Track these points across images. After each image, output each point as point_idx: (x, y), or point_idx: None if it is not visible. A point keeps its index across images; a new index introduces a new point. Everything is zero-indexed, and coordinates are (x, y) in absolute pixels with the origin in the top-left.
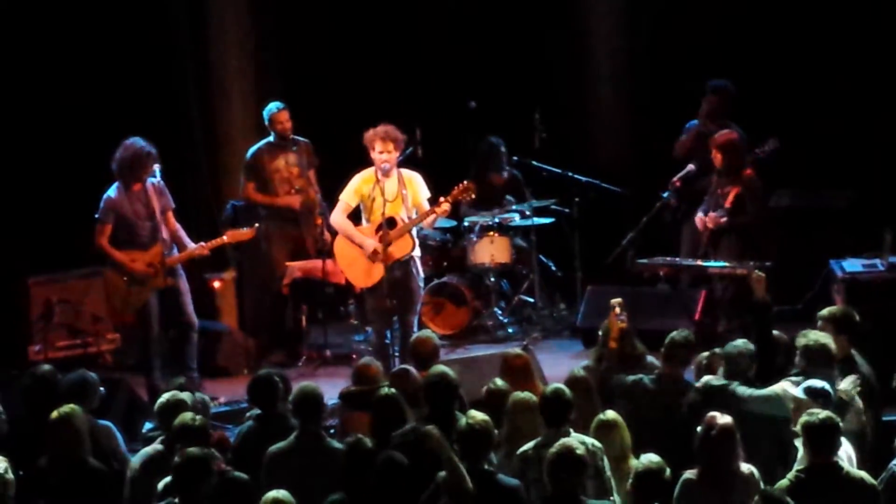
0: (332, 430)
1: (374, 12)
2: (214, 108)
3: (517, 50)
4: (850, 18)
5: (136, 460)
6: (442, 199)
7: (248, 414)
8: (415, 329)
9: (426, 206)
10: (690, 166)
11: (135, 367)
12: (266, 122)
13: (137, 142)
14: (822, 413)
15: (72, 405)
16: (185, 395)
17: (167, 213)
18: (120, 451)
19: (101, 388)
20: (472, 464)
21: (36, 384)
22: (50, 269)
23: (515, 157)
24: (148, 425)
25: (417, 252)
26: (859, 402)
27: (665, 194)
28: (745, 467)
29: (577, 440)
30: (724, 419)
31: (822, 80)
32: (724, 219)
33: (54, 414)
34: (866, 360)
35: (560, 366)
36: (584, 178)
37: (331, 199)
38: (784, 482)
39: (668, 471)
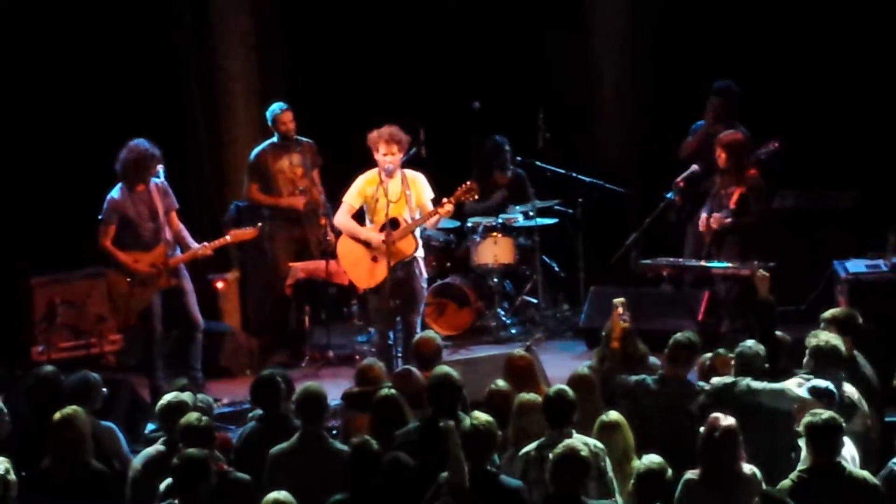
0: (334, 431)
1: (377, 12)
2: (218, 108)
3: (521, 50)
4: (855, 19)
5: (137, 461)
6: (445, 199)
7: (250, 415)
8: (418, 330)
9: (430, 207)
10: (694, 167)
11: (137, 368)
12: (269, 123)
13: (141, 143)
14: (826, 413)
15: (74, 406)
16: (187, 396)
17: (170, 213)
18: (122, 453)
19: (104, 389)
20: (475, 464)
21: (39, 385)
22: (53, 270)
23: (519, 158)
24: (150, 426)
25: (421, 253)
26: (864, 405)
27: (669, 195)
28: (747, 468)
29: (579, 441)
30: (727, 420)
31: (827, 81)
32: (728, 219)
33: (57, 415)
34: (869, 360)
35: (563, 366)
36: (587, 179)
37: (334, 200)
38: (786, 482)
39: (669, 471)
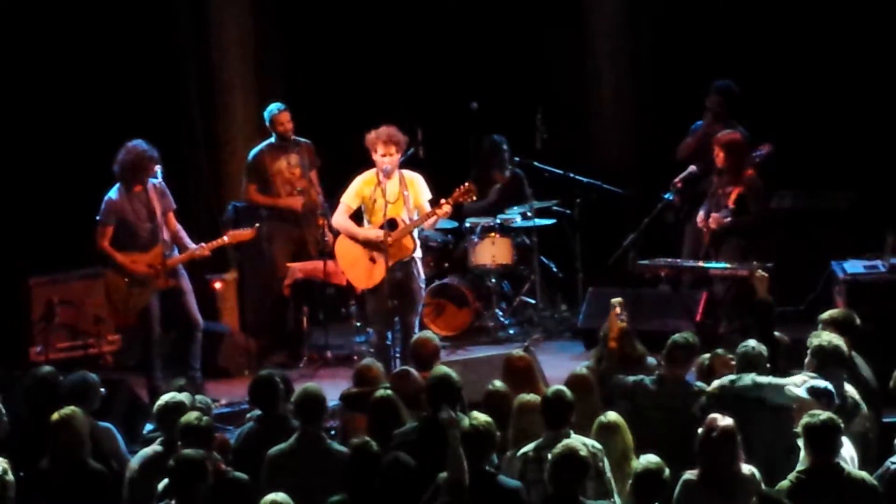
0: (332, 432)
1: (375, 13)
2: (216, 109)
3: (519, 50)
4: (853, 19)
5: (134, 461)
6: (443, 200)
7: (248, 415)
8: (416, 330)
9: (427, 208)
10: (692, 167)
11: (136, 368)
12: (267, 124)
13: (140, 144)
14: (824, 414)
15: (73, 406)
16: (185, 397)
17: (168, 214)
18: (120, 453)
19: (102, 390)
20: (473, 465)
21: (37, 385)
22: (51, 270)
23: (517, 158)
24: (149, 426)
25: (419, 253)
26: (864, 406)
27: (667, 195)
28: (746, 468)
29: (578, 441)
30: (724, 420)
31: (825, 81)
32: (727, 219)
33: (55, 415)
34: (867, 361)
35: (561, 367)
36: (585, 179)
37: (332, 200)
38: (785, 483)
39: (667, 471)
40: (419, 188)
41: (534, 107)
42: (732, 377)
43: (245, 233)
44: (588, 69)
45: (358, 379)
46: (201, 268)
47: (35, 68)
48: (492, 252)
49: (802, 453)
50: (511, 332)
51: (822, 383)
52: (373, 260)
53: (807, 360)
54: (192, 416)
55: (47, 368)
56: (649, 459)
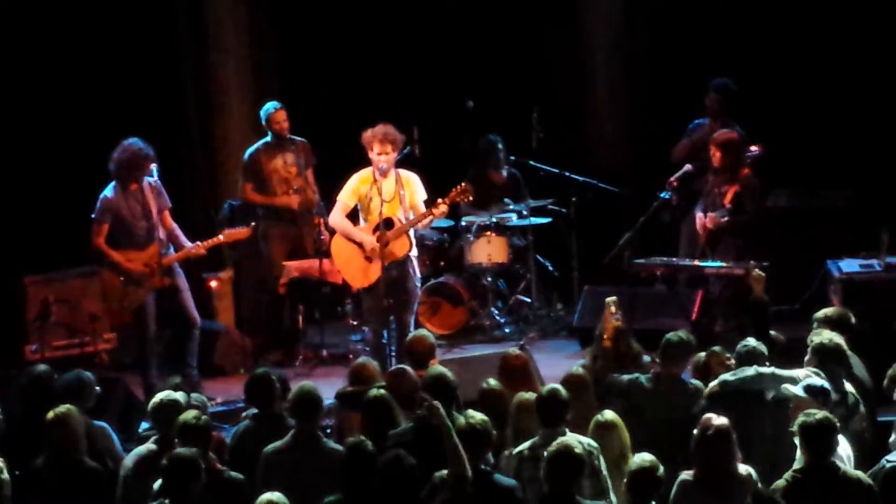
0: (328, 430)
1: (371, 11)
2: (212, 107)
3: (515, 49)
4: (849, 18)
5: (128, 460)
6: (440, 200)
7: (244, 414)
8: (412, 329)
9: (422, 209)
10: (688, 166)
11: (131, 367)
12: (263, 122)
13: (135, 143)
14: (819, 413)
15: (68, 405)
16: (179, 395)
17: (164, 212)
18: (115, 452)
19: (97, 388)
20: (470, 463)
21: (32, 384)
22: (47, 269)
23: (513, 157)
24: (144, 425)
25: (414, 252)
26: (863, 405)
27: (663, 194)
28: (743, 468)
29: (573, 440)
30: (719, 420)
31: (821, 81)
32: (724, 218)
33: (50, 414)
34: (862, 360)
35: (557, 366)
36: (581, 178)
37: (328, 199)
38: (780, 482)
39: (661, 468)
40: (415, 188)
41: (530, 106)
42: (734, 371)
43: (241, 231)
44: (584, 68)
45: (353, 377)
46: (197, 266)
47: (32, 67)
48: (488, 251)
49: (798, 452)
50: (507, 330)
51: (819, 382)
52: (369, 259)
53: (807, 358)
54: (189, 414)
55: (42, 367)
56: (643, 457)
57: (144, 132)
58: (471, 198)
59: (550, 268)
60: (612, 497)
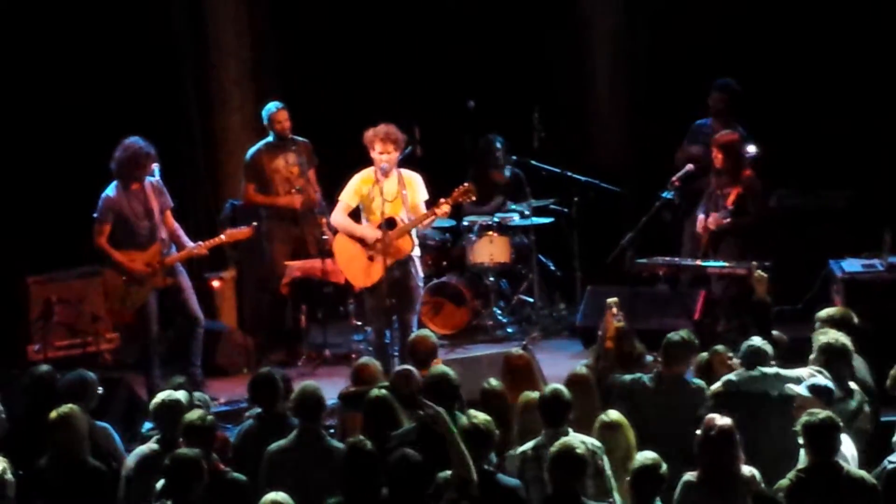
0: (331, 430)
1: (372, 11)
2: (213, 107)
3: (516, 49)
4: (850, 18)
5: (130, 459)
6: (442, 200)
7: (247, 413)
8: (414, 329)
9: (423, 209)
10: (689, 165)
11: (134, 367)
12: (265, 122)
13: (137, 142)
14: (823, 413)
15: (71, 405)
16: (181, 395)
17: (165, 212)
18: (117, 452)
19: (100, 388)
20: (473, 464)
21: (35, 384)
22: (49, 269)
23: (515, 157)
24: (147, 425)
25: (417, 252)
26: (867, 404)
27: (665, 194)
28: (746, 469)
29: (576, 439)
30: (723, 421)
31: (822, 80)
32: (726, 220)
33: (53, 414)
34: (865, 360)
35: (559, 365)
36: (583, 178)
37: (330, 199)
38: (784, 482)
39: (664, 466)
40: (417, 188)
41: (531, 106)
42: (738, 372)
43: (242, 231)
44: (585, 68)
45: (356, 377)
46: (199, 266)
47: (33, 67)
48: (490, 251)
49: (802, 452)
50: (509, 330)
51: (823, 381)
52: (371, 258)
53: (812, 357)
54: (195, 414)
55: (45, 367)
56: (646, 455)
57: (146, 131)
58: (473, 198)
59: (553, 267)
60: (617, 497)
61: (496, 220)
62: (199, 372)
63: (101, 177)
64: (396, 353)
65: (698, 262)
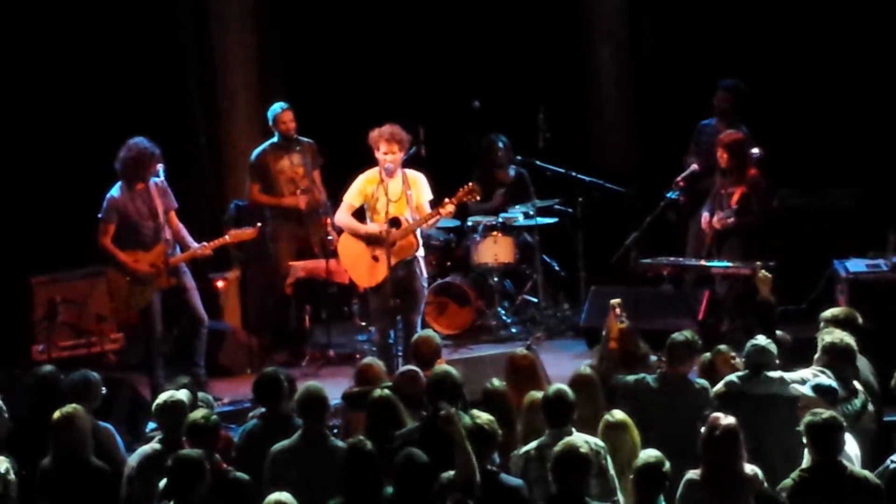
0: (335, 430)
1: (377, 12)
2: (218, 107)
3: (521, 49)
4: (856, 17)
5: (133, 459)
6: (446, 200)
7: (251, 413)
8: (418, 329)
9: (427, 209)
10: (694, 165)
11: (138, 367)
12: (270, 123)
13: (141, 142)
14: (826, 413)
15: (74, 405)
16: (183, 395)
17: (170, 213)
18: (118, 454)
19: (104, 388)
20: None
21: (38, 384)
22: (53, 269)
23: (519, 157)
24: (152, 425)
25: (421, 252)
26: (872, 404)
27: (669, 194)
28: (749, 468)
29: (579, 439)
30: (727, 420)
31: (827, 79)
32: (730, 219)
33: (57, 414)
34: (869, 360)
35: (563, 366)
36: (587, 178)
37: (335, 200)
38: (787, 482)
39: (667, 464)
40: (421, 188)
41: (536, 106)
42: (741, 373)
43: (247, 232)
44: (590, 68)
45: (359, 378)
46: (204, 266)
47: (38, 67)
48: (494, 251)
49: (805, 452)
50: (513, 330)
51: (827, 381)
52: (375, 258)
53: (816, 356)
54: (198, 414)
55: (48, 367)
56: (649, 453)
57: (150, 132)
58: (478, 197)
59: (557, 268)
60: (620, 497)
61: (500, 220)
62: (202, 372)
63: (105, 177)
64: (400, 354)
65: (702, 263)
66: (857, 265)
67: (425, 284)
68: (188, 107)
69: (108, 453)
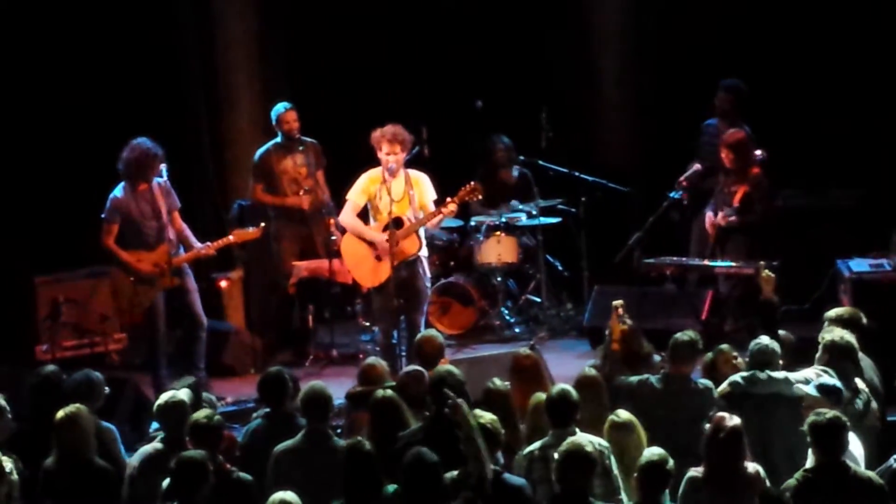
0: (338, 430)
1: (380, 12)
2: (221, 107)
3: (523, 49)
4: (858, 17)
5: (135, 459)
6: (449, 199)
7: (255, 413)
8: (421, 329)
9: (431, 208)
10: (696, 165)
11: (142, 367)
12: (273, 123)
13: (144, 142)
14: (830, 413)
15: (77, 405)
16: (184, 395)
17: (173, 213)
18: (119, 455)
19: (106, 388)
20: None
21: (41, 384)
22: (57, 269)
23: (522, 157)
24: (155, 425)
25: (424, 252)
26: (875, 403)
27: (673, 194)
28: (752, 467)
29: (584, 439)
30: (732, 420)
31: (830, 79)
32: (733, 218)
33: (60, 413)
34: (872, 359)
35: (566, 365)
36: (590, 178)
37: (338, 200)
38: (791, 481)
39: (671, 462)
40: (424, 188)
41: (538, 106)
42: (745, 374)
43: (250, 232)
44: (592, 68)
45: (362, 378)
46: (207, 266)
47: (38, 68)
48: (497, 251)
49: (809, 452)
50: (517, 330)
51: (832, 381)
52: (378, 258)
53: (818, 355)
54: (201, 413)
55: (51, 367)
56: (653, 451)
57: (153, 132)
58: (480, 197)
59: (560, 267)
60: (624, 497)
61: (504, 220)
62: (203, 375)
63: (108, 177)
64: (404, 353)
65: (706, 262)
66: (860, 265)
67: (428, 284)
68: (191, 107)
69: (110, 453)
